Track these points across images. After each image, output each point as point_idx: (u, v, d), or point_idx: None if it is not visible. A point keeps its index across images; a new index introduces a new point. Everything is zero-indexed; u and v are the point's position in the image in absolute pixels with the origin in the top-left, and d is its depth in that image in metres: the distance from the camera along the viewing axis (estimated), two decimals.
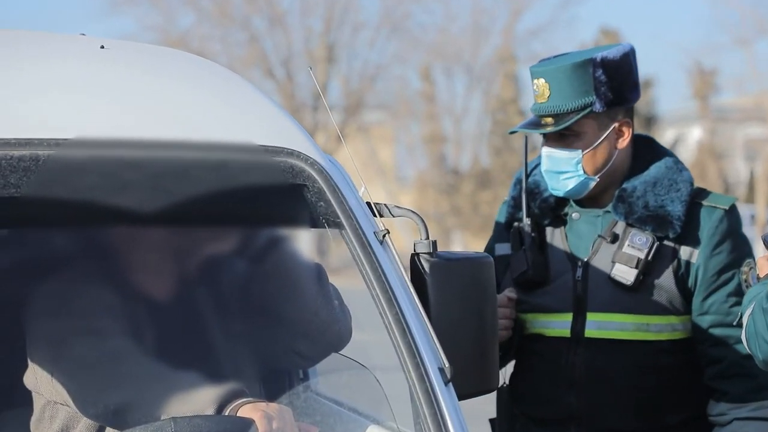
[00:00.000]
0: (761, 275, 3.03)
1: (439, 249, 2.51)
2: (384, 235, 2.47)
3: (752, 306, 2.81)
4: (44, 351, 2.50)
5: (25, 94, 2.39)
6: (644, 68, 43.04)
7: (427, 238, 2.49)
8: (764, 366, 2.76)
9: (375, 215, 2.52)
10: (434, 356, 2.35)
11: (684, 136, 38.15)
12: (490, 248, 3.59)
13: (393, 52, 34.89)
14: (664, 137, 37.04)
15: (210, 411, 2.35)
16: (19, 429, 2.60)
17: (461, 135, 37.22)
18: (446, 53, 36.18)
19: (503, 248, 3.54)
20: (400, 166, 40.86)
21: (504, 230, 3.58)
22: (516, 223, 3.51)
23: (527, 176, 3.54)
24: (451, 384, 2.34)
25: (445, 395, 2.32)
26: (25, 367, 2.53)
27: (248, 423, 2.34)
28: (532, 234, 3.47)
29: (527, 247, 3.45)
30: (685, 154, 36.98)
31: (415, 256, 2.47)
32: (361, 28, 34.22)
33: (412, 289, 2.40)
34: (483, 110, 36.33)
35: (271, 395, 2.59)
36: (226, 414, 2.35)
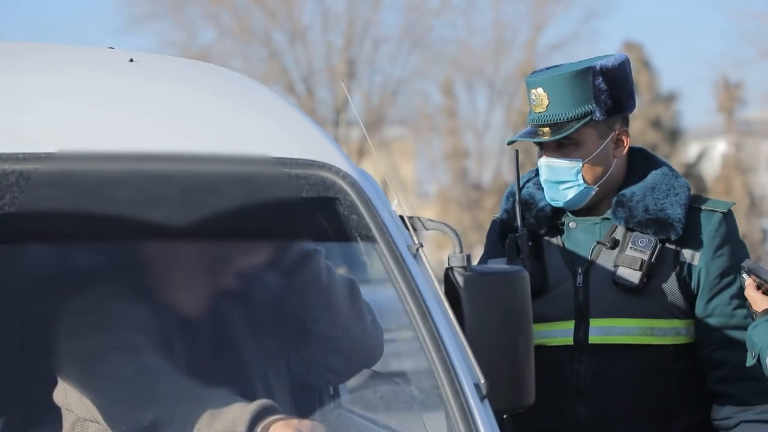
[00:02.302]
0: (756, 309, 3.04)
1: None
2: (417, 249, 2.46)
3: None
4: (75, 367, 2.51)
5: (55, 107, 2.40)
6: (669, 82, 43.04)
7: (461, 251, 2.48)
8: None
9: (408, 229, 2.51)
10: (469, 372, 2.33)
11: (709, 150, 38.04)
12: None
13: (414, 67, 34.90)
14: (689, 151, 37.00)
15: (241, 428, 2.34)
16: None
17: (483, 150, 37.20)
18: (468, 68, 36.19)
19: (498, 263, 3.53)
20: (421, 181, 40.87)
21: (498, 244, 3.58)
22: (511, 235, 3.51)
23: (520, 189, 3.56)
24: (486, 400, 2.33)
25: (480, 411, 2.31)
26: (55, 383, 2.53)
27: None
28: (529, 243, 3.48)
29: (525, 256, 3.45)
30: (710, 169, 36.90)
31: (449, 270, 2.46)
32: (381, 43, 34.26)
33: (446, 304, 2.39)
34: (505, 125, 36.27)
35: (303, 412, 2.58)
36: (259, 430, 2.35)
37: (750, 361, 2.99)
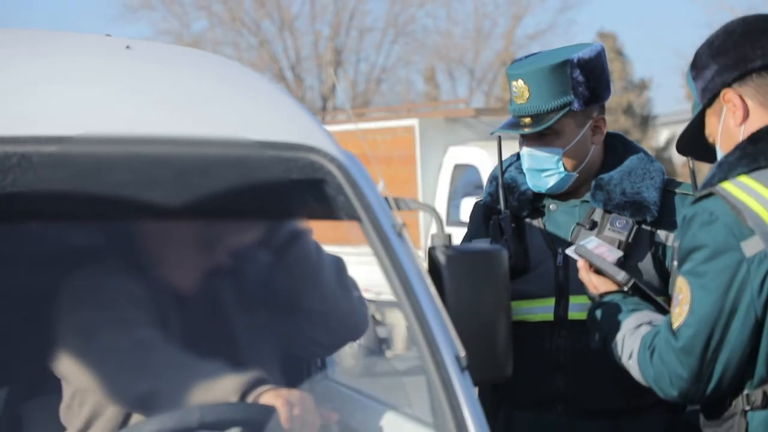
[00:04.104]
0: (595, 291, 3.07)
1: None
2: (401, 228, 2.46)
3: (647, 343, 2.80)
4: (75, 340, 2.51)
5: (55, 91, 2.39)
6: (640, 71, 43.06)
7: (443, 230, 2.48)
8: (680, 399, 2.76)
9: (392, 209, 2.51)
10: (450, 345, 2.34)
11: (678, 135, 38.11)
12: None
13: (398, 55, 34.89)
14: (659, 137, 37.00)
15: (233, 398, 2.35)
16: (48, 416, 2.61)
17: None
18: (449, 56, 36.16)
19: (481, 244, 3.54)
20: None
21: (482, 226, 3.59)
22: (494, 217, 3.52)
23: (503, 173, 3.56)
24: (466, 371, 2.33)
25: (460, 382, 2.32)
26: (56, 355, 2.53)
27: (270, 409, 2.34)
28: (512, 225, 3.49)
29: (508, 237, 3.46)
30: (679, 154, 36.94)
31: (431, 249, 2.46)
32: (367, 32, 34.22)
33: (429, 281, 2.39)
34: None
35: (292, 383, 2.59)
36: (249, 401, 2.35)
37: (595, 343, 3.01)
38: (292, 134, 2.46)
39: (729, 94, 2.76)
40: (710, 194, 2.66)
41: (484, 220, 3.59)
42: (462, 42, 36.40)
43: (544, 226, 3.52)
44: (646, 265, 3.42)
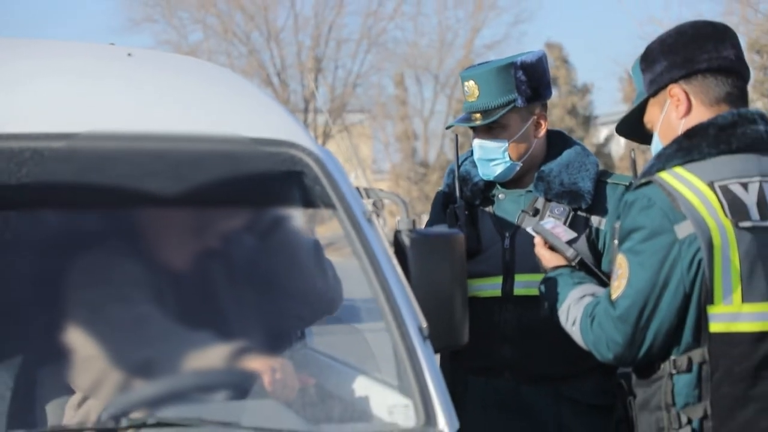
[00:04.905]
0: (546, 265, 3.06)
1: None
2: (371, 215, 2.46)
3: (589, 312, 2.79)
4: (81, 314, 2.49)
5: (63, 91, 2.37)
6: (582, 76, 43.15)
7: (408, 217, 2.48)
8: (615, 362, 2.75)
9: (363, 198, 2.51)
10: (414, 317, 2.33)
11: (616, 134, 38.21)
12: None
13: (371, 63, 34.85)
14: (600, 134, 37.08)
15: (223, 365, 2.33)
16: (59, 380, 2.59)
17: (429, 133, 37.18)
18: (416, 64, 36.15)
19: (441, 228, 3.55)
20: (377, 159, 40.79)
21: (440, 213, 3.60)
22: (451, 205, 3.52)
23: (459, 166, 3.57)
24: (428, 340, 2.33)
25: (423, 350, 2.31)
26: (66, 327, 2.51)
27: (255, 374, 2.33)
28: (466, 212, 3.49)
29: (462, 223, 3.47)
30: (617, 149, 37.02)
31: (397, 233, 2.46)
32: (344, 43, 34.13)
33: (395, 261, 2.39)
34: (447, 112, 36.23)
35: (275, 351, 2.57)
36: (236, 367, 2.34)
37: (545, 311, 3.01)
38: (274, 131, 2.46)
39: (675, 90, 2.76)
40: (649, 182, 2.66)
41: (442, 208, 3.60)
42: (427, 51, 36.40)
43: (494, 213, 3.54)
44: (581, 245, 3.43)
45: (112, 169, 2.31)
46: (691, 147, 2.67)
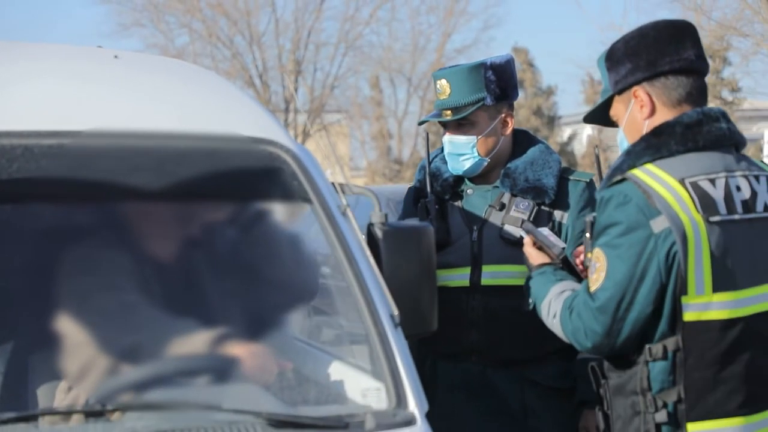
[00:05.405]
0: (533, 262, 3.05)
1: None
2: (345, 209, 2.45)
3: (568, 304, 2.78)
4: (71, 302, 2.47)
5: (52, 93, 2.35)
6: (547, 79, 43.28)
7: (381, 210, 2.48)
8: (593, 351, 2.74)
9: (338, 193, 2.50)
10: (386, 305, 2.33)
11: (578, 133, 38.28)
12: None
13: (348, 66, 34.74)
14: (563, 134, 37.17)
15: (204, 349, 2.32)
16: (50, 365, 2.56)
17: (403, 132, 37.17)
18: (391, 67, 36.09)
19: (412, 221, 3.55)
20: (354, 157, 40.72)
21: (412, 207, 3.60)
22: (422, 200, 3.53)
23: (430, 163, 3.58)
24: (399, 327, 2.33)
25: (394, 336, 2.31)
26: (56, 314, 2.49)
27: (236, 359, 2.32)
28: (436, 206, 3.49)
29: (432, 217, 3.47)
30: (579, 147, 37.13)
31: (370, 226, 2.45)
32: (322, 47, 34.04)
33: (368, 252, 2.38)
34: (420, 112, 36.22)
35: (254, 338, 2.56)
36: (218, 352, 2.33)
37: (528, 306, 3.02)
38: (255, 130, 2.45)
39: (639, 92, 2.76)
40: (623, 179, 2.66)
41: (413, 202, 3.60)
42: (401, 55, 36.36)
43: (463, 207, 3.54)
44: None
45: (101, 165, 2.30)
46: (659, 144, 2.67)
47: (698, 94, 2.75)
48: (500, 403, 3.47)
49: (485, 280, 3.44)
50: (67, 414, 2.23)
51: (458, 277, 3.47)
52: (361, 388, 2.33)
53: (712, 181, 2.63)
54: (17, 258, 2.63)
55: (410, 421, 2.22)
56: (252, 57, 33.10)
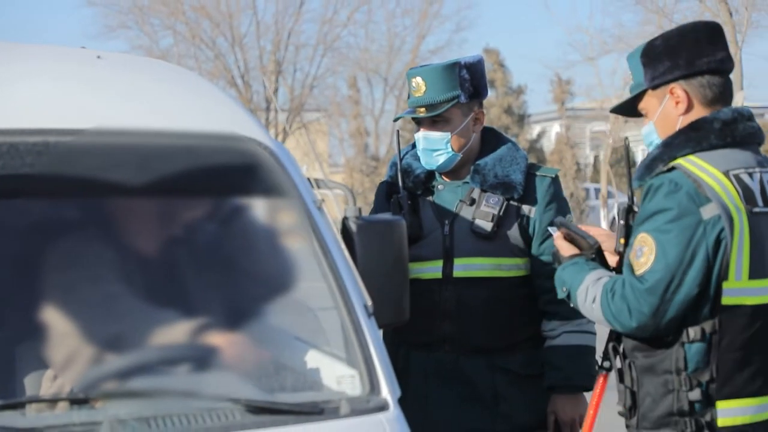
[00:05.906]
0: (564, 254, 3.04)
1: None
2: (320, 204, 2.45)
3: (609, 288, 2.77)
4: (57, 293, 2.46)
5: (36, 92, 2.33)
6: (517, 79, 43.34)
7: (354, 205, 2.47)
8: (637, 331, 2.72)
9: (314, 188, 2.50)
10: (360, 296, 2.33)
11: (547, 131, 38.38)
12: None
13: (327, 66, 34.65)
14: (533, 132, 37.25)
15: (186, 339, 2.32)
16: (36, 355, 2.55)
17: (379, 130, 37.15)
18: (368, 67, 36.05)
19: (385, 215, 3.54)
20: (332, 154, 40.65)
21: (384, 203, 3.59)
22: (395, 195, 3.53)
23: (401, 159, 3.57)
24: (373, 317, 2.33)
25: (368, 326, 2.31)
26: (43, 306, 2.48)
27: (215, 348, 2.32)
28: (408, 202, 3.49)
29: (405, 211, 3.47)
30: (548, 145, 37.23)
31: (345, 219, 2.45)
32: (302, 48, 33.94)
33: (342, 245, 2.38)
34: (396, 111, 36.19)
35: (234, 328, 2.56)
36: (198, 342, 2.32)
37: (561, 295, 3.02)
38: (233, 127, 2.44)
39: (676, 89, 2.80)
40: (673, 168, 2.70)
41: (385, 197, 3.59)
42: (378, 55, 36.32)
43: (434, 202, 3.54)
44: (514, 232, 3.46)
45: (84, 161, 2.29)
46: (699, 138, 2.73)
47: (728, 93, 2.83)
48: (472, 390, 3.48)
49: (457, 273, 3.44)
50: (52, 402, 2.22)
51: (431, 269, 3.47)
52: (336, 375, 2.33)
53: (750, 175, 2.70)
54: (5, 251, 2.61)
55: (383, 407, 2.23)
56: (234, 58, 32.98)
